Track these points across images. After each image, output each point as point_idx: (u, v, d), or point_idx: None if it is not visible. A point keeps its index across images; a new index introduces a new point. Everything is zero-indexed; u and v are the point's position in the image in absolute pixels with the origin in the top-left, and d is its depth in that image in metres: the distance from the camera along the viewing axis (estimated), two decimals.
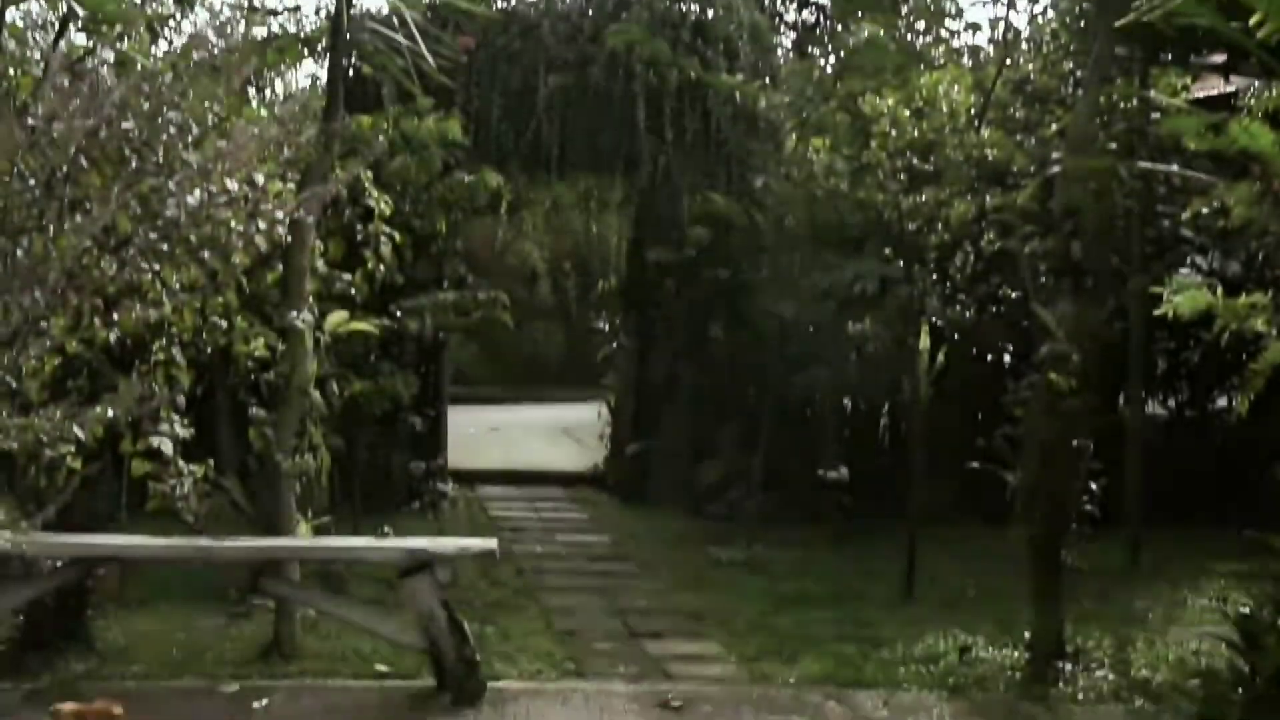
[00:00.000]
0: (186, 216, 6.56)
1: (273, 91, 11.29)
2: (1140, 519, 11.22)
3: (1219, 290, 5.87)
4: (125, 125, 5.54)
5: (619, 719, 6.98)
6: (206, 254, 7.71)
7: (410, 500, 13.24)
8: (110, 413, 5.48)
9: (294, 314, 7.68)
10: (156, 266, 5.78)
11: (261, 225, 8.11)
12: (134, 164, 5.56)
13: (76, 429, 5.27)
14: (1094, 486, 8.22)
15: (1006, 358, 14.80)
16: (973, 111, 10.58)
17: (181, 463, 7.68)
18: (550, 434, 18.50)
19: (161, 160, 5.65)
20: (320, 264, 8.43)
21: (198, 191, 7.00)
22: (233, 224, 8.10)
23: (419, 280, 13.10)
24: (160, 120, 5.69)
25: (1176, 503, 11.74)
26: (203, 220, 6.09)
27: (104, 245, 5.46)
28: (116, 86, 5.61)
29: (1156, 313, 6.32)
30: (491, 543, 7.47)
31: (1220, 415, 13.71)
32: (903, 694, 7.61)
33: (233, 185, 7.46)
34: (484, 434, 18.56)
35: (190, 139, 6.64)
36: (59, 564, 7.25)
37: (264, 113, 10.65)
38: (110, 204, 5.25)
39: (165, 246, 5.61)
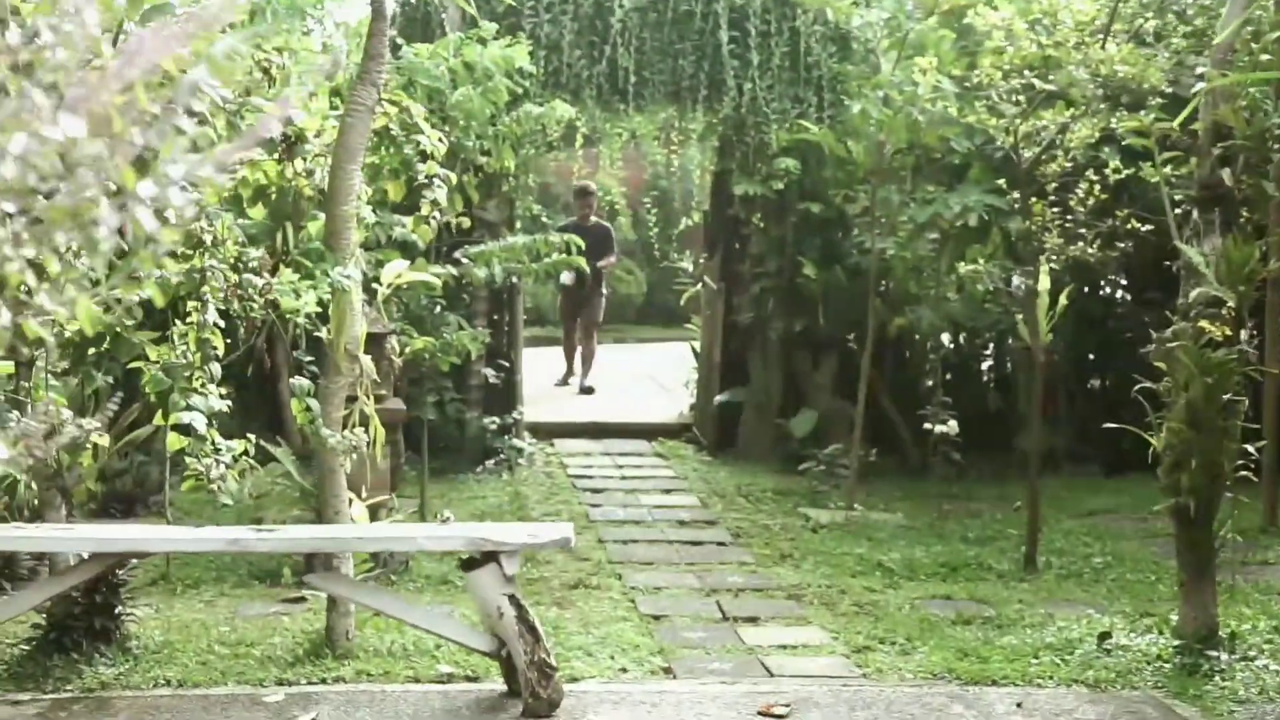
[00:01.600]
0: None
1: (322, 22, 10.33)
2: (1276, 477, 10.17)
3: None
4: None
5: None
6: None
7: (485, 459, 12.43)
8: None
9: (339, 270, 6.76)
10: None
11: (299, 168, 7.31)
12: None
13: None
14: (1251, 449, 7.16)
15: (1120, 292, 13.83)
16: (1097, 23, 9.49)
17: (218, 438, 6.83)
18: (633, 379, 17.56)
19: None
20: (369, 211, 7.51)
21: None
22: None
23: (489, 222, 12.26)
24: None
25: None
26: (230, 167, 5.28)
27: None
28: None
29: None
30: (566, 530, 6.55)
31: None
32: (1037, 692, 6.65)
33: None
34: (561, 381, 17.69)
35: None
36: (82, 558, 6.44)
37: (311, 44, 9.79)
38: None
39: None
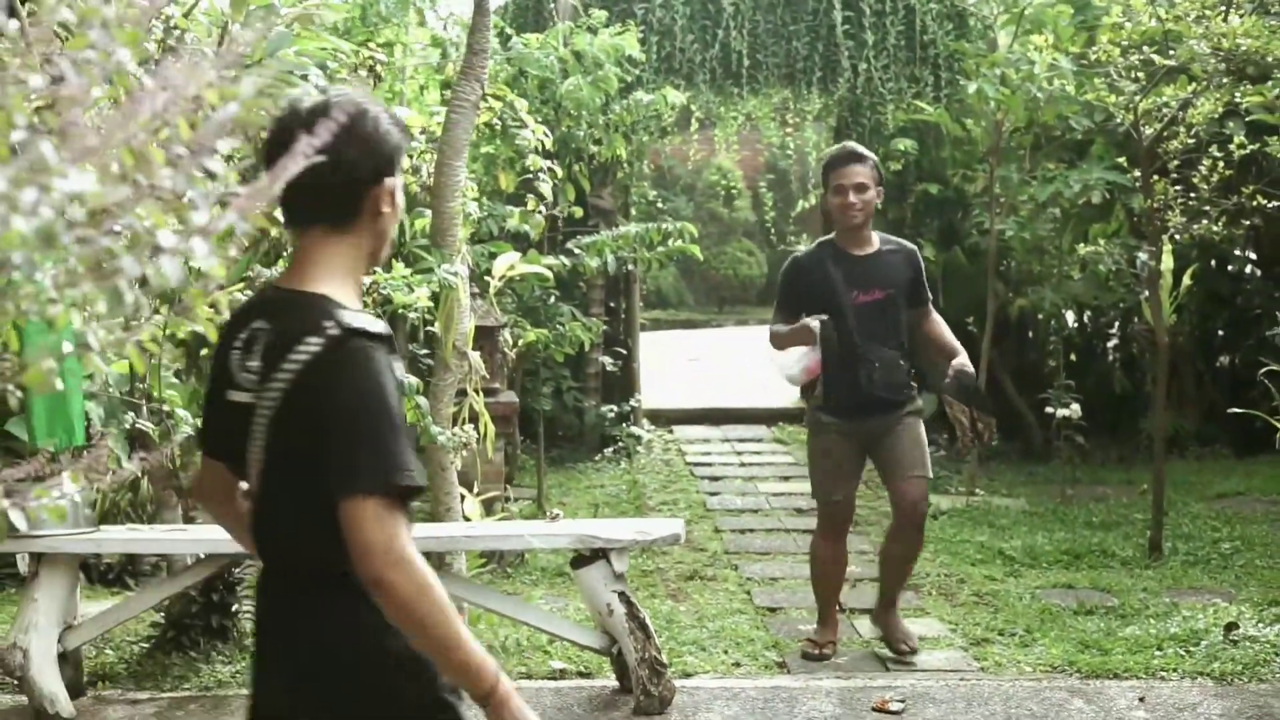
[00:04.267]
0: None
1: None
2: None
3: None
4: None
5: None
6: None
7: (603, 447, 12.44)
8: None
9: (445, 267, 6.77)
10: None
11: (405, 165, 7.33)
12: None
13: None
14: None
15: (1249, 268, 13.47)
16: None
17: None
18: (752, 363, 17.47)
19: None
20: (474, 206, 7.51)
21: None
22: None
23: (603, 210, 12.27)
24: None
25: None
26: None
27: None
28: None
29: None
30: (677, 525, 6.50)
31: None
32: (1160, 686, 6.48)
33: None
34: (682, 366, 17.64)
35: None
36: (198, 558, 6.51)
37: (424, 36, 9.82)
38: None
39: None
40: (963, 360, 6.70)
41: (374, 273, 6.92)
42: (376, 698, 2.75)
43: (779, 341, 6.79)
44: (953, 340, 6.91)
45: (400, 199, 2.87)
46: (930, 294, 7.09)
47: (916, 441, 6.76)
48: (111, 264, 1.33)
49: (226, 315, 2.47)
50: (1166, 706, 6.18)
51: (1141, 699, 6.28)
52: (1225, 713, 6.10)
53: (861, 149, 6.76)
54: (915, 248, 7.05)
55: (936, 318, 7.04)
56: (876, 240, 6.86)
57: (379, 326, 2.71)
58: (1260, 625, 7.25)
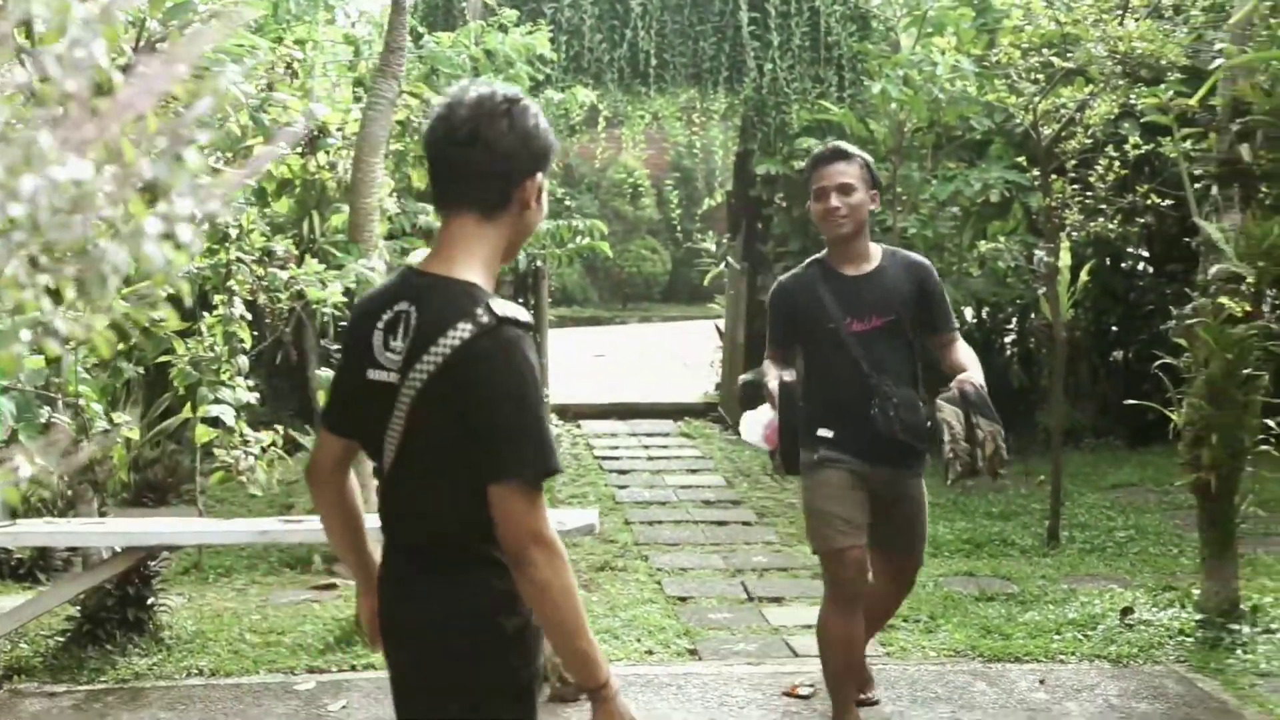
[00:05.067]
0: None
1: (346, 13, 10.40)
2: None
3: None
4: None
5: (739, 713, 6.14)
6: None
7: None
8: None
9: (362, 262, 6.84)
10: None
11: (322, 162, 7.40)
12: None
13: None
14: (1271, 423, 7.17)
15: (1142, 265, 13.81)
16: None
17: (246, 430, 6.93)
18: (658, 359, 17.66)
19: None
20: (392, 202, 7.58)
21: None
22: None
23: None
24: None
25: None
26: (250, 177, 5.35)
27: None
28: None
29: None
30: (590, 516, 6.63)
31: None
32: (1060, 668, 6.71)
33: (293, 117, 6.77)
34: (588, 362, 17.76)
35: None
36: (114, 551, 6.53)
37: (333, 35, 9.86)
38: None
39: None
40: (972, 374, 5.34)
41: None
42: (485, 668, 2.86)
43: (750, 388, 6.07)
44: (970, 362, 5.48)
45: (545, 199, 2.93)
46: (954, 318, 5.70)
47: (922, 507, 5.83)
48: (97, 250, 1.42)
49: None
50: (1065, 688, 6.40)
51: (1042, 681, 6.50)
52: (1121, 693, 6.32)
53: (848, 146, 5.54)
54: (925, 262, 5.71)
55: (963, 345, 5.61)
56: (876, 254, 5.58)
57: (527, 316, 2.81)
58: (1154, 610, 7.50)
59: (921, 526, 5.85)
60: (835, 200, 5.38)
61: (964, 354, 5.51)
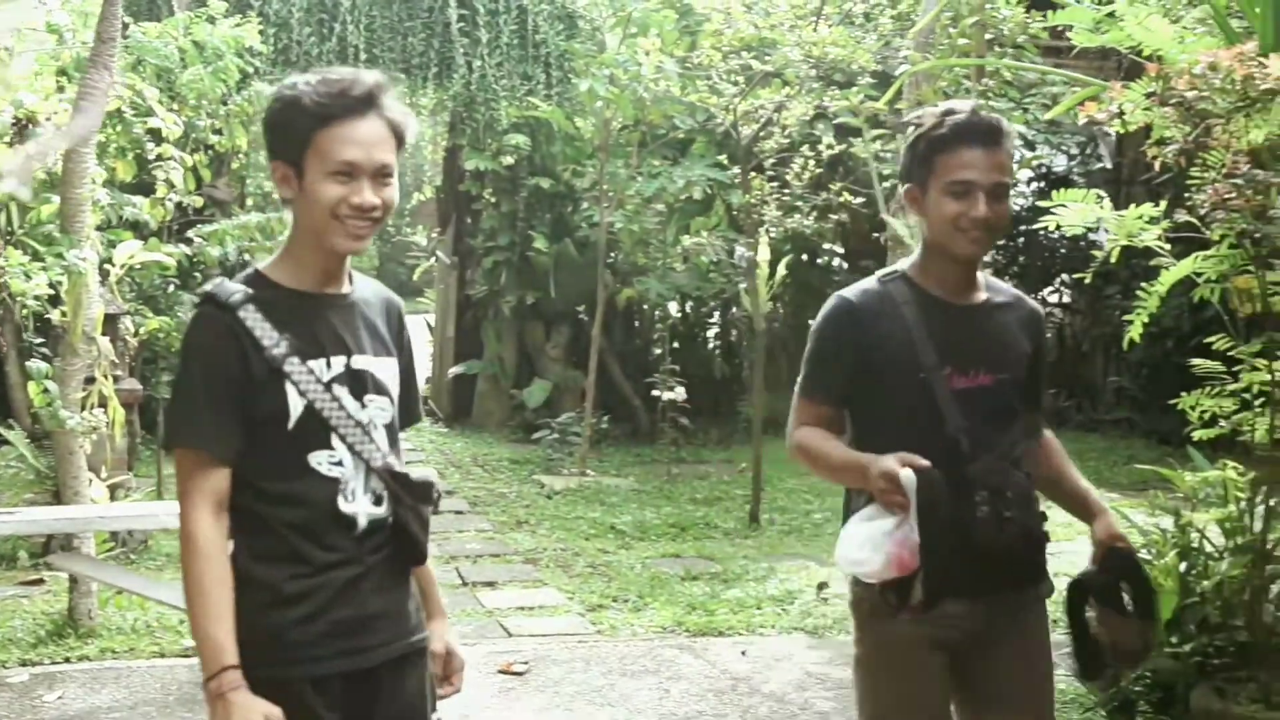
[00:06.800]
0: None
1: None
2: None
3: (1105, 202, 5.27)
4: None
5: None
6: None
7: None
8: None
9: (74, 253, 6.76)
10: None
11: (31, 151, 7.26)
12: None
13: None
14: None
15: (836, 260, 14.45)
16: (810, 6, 9.96)
17: None
18: None
19: None
20: (103, 193, 7.49)
21: None
22: None
23: (220, 200, 12.22)
24: None
25: None
26: None
27: None
28: None
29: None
30: None
31: None
32: (761, 640, 7.08)
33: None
34: None
35: None
36: None
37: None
38: None
39: None
40: (1112, 525, 3.39)
41: None
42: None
43: (825, 468, 3.48)
44: (1083, 483, 3.57)
45: (307, 181, 2.85)
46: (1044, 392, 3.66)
47: (1045, 654, 3.45)
48: None
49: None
50: (766, 658, 6.76)
51: (744, 652, 6.85)
52: (818, 661, 6.71)
53: (1003, 121, 3.30)
54: (1038, 306, 3.61)
55: (1050, 436, 3.59)
56: (982, 285, 3.44)
57: (233, 292, 2.82)
58: (847, 584, 7.92)
59: (1045, 687, 3.48)
60: (984, 207, 3.20)
61: (1062, 453, 3.61)
